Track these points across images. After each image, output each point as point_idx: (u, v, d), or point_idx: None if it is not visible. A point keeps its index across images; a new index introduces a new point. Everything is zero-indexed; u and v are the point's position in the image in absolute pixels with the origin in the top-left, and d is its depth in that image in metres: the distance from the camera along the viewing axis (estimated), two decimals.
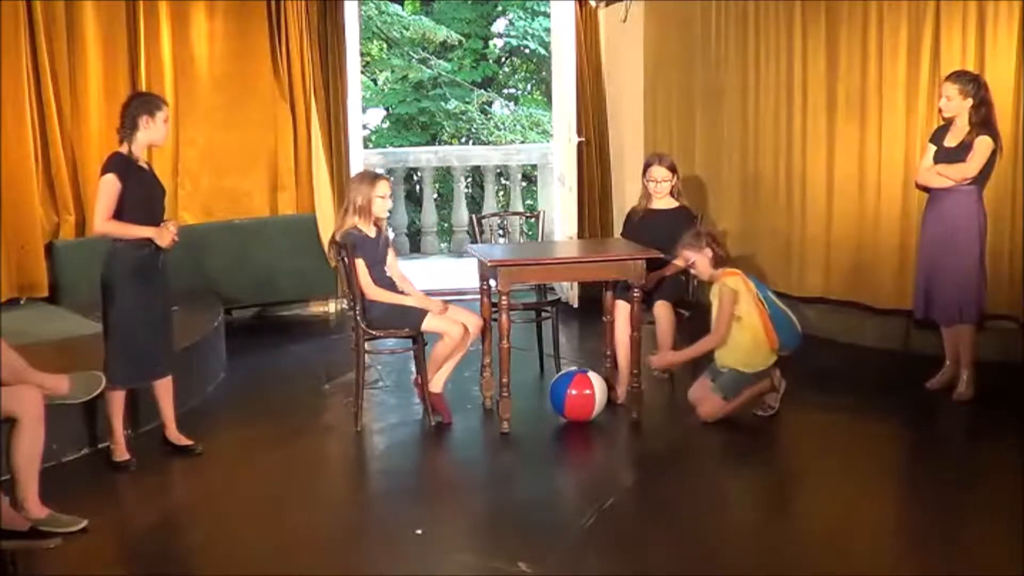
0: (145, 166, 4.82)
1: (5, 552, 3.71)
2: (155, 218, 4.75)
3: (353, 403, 5.34)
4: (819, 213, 6.78)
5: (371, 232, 5.29)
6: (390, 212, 5.60)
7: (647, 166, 6.02)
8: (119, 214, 4.62)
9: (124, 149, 4.70)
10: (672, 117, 7.95)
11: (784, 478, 4.72)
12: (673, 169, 5.97)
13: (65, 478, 4.55)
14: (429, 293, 5.66)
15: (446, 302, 5.46)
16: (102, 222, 4.62)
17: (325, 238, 7.65)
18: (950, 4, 6.07)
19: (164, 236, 4.68)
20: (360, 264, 5.22)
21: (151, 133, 4.74)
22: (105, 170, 4.66)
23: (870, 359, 6.42)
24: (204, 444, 5.01)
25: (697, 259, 5.31)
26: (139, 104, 4.75)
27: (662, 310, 5.62)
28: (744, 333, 5.23)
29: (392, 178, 10.87)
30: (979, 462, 4.95)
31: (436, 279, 8.58)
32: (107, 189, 4.61)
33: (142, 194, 4.70)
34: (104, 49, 7.22)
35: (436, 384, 5.36)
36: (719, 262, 5.30)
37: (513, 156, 11.06)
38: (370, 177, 5.39)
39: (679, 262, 5.45)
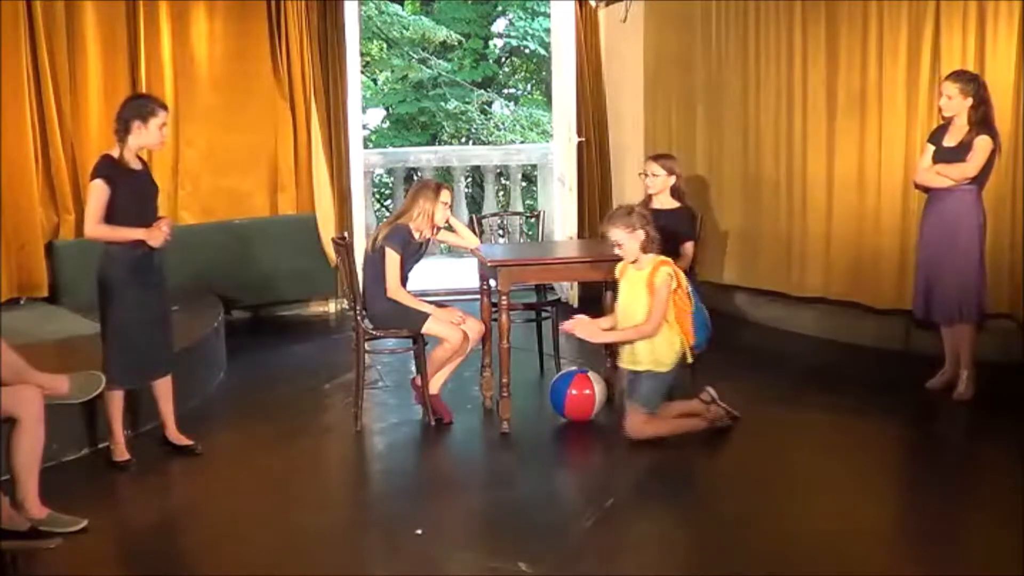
0: (137, 167, 4.75)
1: (5, 552, 3.71)
2: (148, 219, 4.72)
3: (353, 403, 5.34)
4: (819, 213, 6.79)
5: (417, 236, 5.36)
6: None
7: (645, 161, 6.08)
8: (111, 217, 4.60)
9: (114, 152, 4.66)
10: (672, 117, 7.95)
11: (784, 478, 4.72)
12: (669, 169, 5.96)
13: (65, 478, 4.55)
14: (426, 293, 5.67)
15: (444, 304, 5.48)
16: (92, 227, 4.61)
17: (325, 238, 7.66)
18: (950, 4, 6.07)
19: (156, 236, 4.65)
20: (396, 260, 5.25)
21: (143, 138, 4.67)
22: (93, 175, 4.64)
23: (870, 359, 6.42)
24: (204, 444, 5.01)
25: (627, 241, 4.89)
26: (134, 108, 4.70)
27: None
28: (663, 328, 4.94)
29: (392, 178, 10.89)
30: (979, 462, 4.95)
31: (436, 279, 8.58)
32: (95, 194, 4.59)
33: (132, 197, 4.66)
34: (104, 49, 7.23)
35: (434, 386, 5.38)
36: (649, 246, 4.92)
37: (513, 156, 11.06)
38: (435, 186, 5.47)
39: (615, 238, 4.97)
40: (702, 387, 5.20)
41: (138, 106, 4.71)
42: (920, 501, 4.49)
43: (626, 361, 5.04)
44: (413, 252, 5.39)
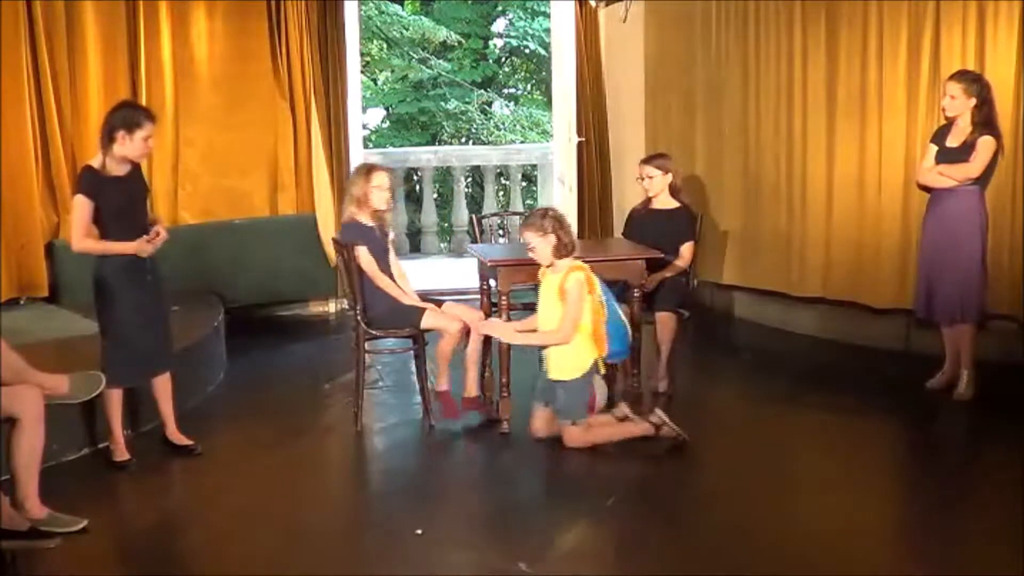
0: (123, 171, 4.65)
1: (5, 552, 3.71)
2: (138, 221, 4.70)
3: (353, 403, 5.34)
4: (819, 213, 6.78)
5: (369, 223, 5.34)
6: (393, 206, 5.58)
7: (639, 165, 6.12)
8: (99, 226, 4.59)
9: (96, 162, 4.61)
10: (672, 117, 7.95)
11: (784, 478, 4.72)
12: (664, 168, 5.98)
13: (65, 478, 4.54)
14: (428, 293, 5.67)
15: (440, 302, 5.47)
16: (78, 242, 4.59)
17: (325, 238, 7.66)
18: (950, 4, 6.06)
19: (144, 249, 4.61)
20: (364, 251, 5.24)
21: (127, 149, 4.58)
22: (75, 190, 4.63)
23: (870, 359, 6.42)
24: (204, 444, 5.01)
25: (538, 244, 4.86)
26: (120, 117, 4.59)
27: (664, 320, 5.64)
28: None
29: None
30: (979, 462, 4.95)
31: (436, 279, 8.58)
32: (77, 210, 4.58)
33: (118, 205, 4.61)
34: (104, 49, 7.23)
35: (445, 382, 5.32)
36: (562, 250, 4.86)
37: (513, 156, 11.06)
38: (366, 169, 5.42)
39: (531, 240, 4.89)
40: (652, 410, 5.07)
41: (124, 116, 4.61)
42: (920, 501, 4.49)
43: (543, 365, 5.04)
44: (376, 242, 5.34)
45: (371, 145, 14.30)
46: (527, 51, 16.30)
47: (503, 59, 17.08)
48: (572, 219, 7.95)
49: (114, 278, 4.64)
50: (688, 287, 5.89)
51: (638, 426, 4.97)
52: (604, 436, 4.95)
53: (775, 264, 7.10)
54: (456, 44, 15.61)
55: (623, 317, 5.04)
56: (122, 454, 4.79)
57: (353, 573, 3.84)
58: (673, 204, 5.99)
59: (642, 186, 6.03)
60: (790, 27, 6.89)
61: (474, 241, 6.54)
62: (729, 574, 3.76)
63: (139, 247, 4.61)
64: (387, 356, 6.21)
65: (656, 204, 6.02)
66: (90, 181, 4.59)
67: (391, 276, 5.40)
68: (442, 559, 3.96)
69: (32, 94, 6.87)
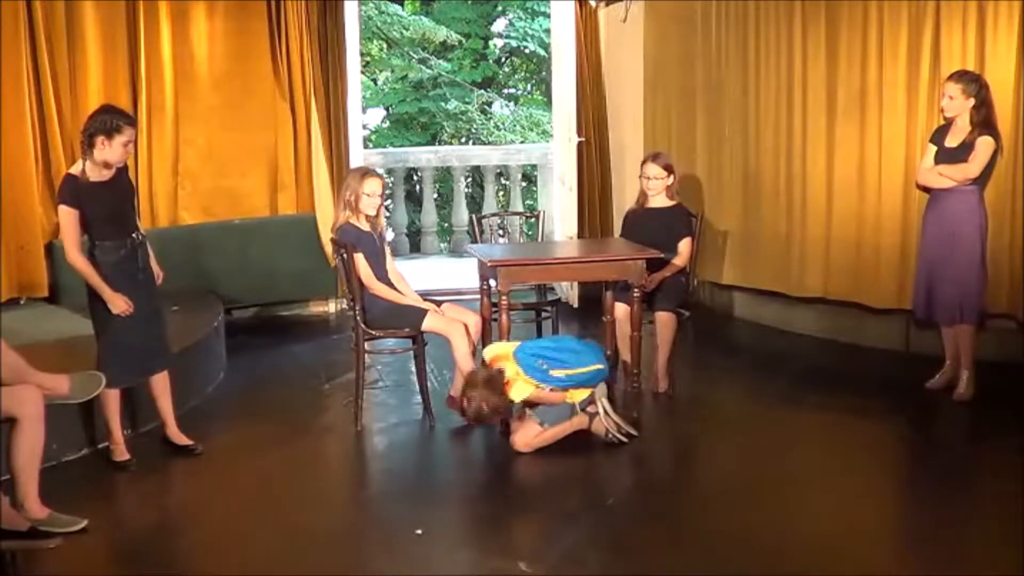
0: (105, 176, 4.62)
1: (5, 552, 3.71)
2: (125, 222, 4.72)
3: (353, 403, 5.34)
4: (819, 213, 6.78)
5: (364, 227, 5.33)
6: (389, 213, 5.60)
7: (642, 163, 6.07)
8: (88, 230, 4.62)
9: (76, 170, 4.60)
10: (672, 117, 7.95)
11: (784, 478, 4.72)
12: (669, 169, 5.99)
13: (65, 478, 4.55)
14: (428, 293, 5.66)
15: (439, 303, 5.47)
16: (70, 255, 4.60)
17: (325, 238, 7.66)
18: (950, 4, 6.06)
19: (122, 309, 4.62)
20: (360, 258, 5.23)
21: (106, 154, 4.55)
22: (57, 200, 4.64)
23: (870, 359, 6.42)
24: (204, 444, 5.02)
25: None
26: (100, 123, 4.55)
27: (664, 320, 5.64)
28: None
29: (392, 178, 10.88)
30: (979, 462, 4.95)
31: (436, 279, 8.58)
32: (63, 221, 4.60)
33: (102, 210, 4.61)
34: (104, 49, 7.23)
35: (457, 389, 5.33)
36: (496, 392, 4.82)
37: (513, 156, 11.05)
38: (361, 173, 5.41)
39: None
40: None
41: (104, 121, 4.56)
42: (920, 501, 4.50)
43: None
44: (371, 245, 5.34)
45: (371, 145, 14.31)
46: (527, 51, 16.30)
47: (503, 59, 17.08)
48: (572, 219, 7.97)
49: (106, 278, 4.63)
50: (688, 287, 5.89)
51: (572, 421, 5.01)
52: (548, 436, 4.96)
53: (775, 264, 7.10)
54: (456, 44, 15.61)
55: (579, 371, 4.96)
56: (122, 454, 4.80)
57: (353, 573, 3.84)
58: (669, 202, 5.99)
59: (644, 185, 6.01)
60: (790, 27, 6.88)
61: (474, 241, 6.54)
62: (728, 574, 3.76)
63: (118, 306, 4.60)
64: (387, 356, 6.21)
65: (652, 203, 6.01)
66: (71, 190, 4.58)
67: (388, 279, 5.40)
68: (442, 559, 3.96)
69: (32, 94, 6.88)
